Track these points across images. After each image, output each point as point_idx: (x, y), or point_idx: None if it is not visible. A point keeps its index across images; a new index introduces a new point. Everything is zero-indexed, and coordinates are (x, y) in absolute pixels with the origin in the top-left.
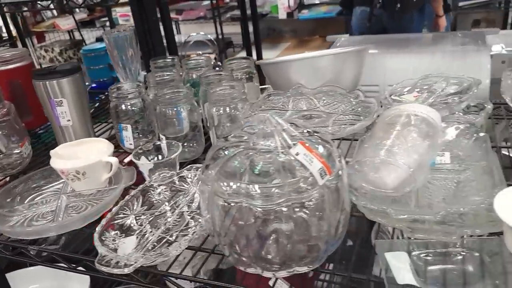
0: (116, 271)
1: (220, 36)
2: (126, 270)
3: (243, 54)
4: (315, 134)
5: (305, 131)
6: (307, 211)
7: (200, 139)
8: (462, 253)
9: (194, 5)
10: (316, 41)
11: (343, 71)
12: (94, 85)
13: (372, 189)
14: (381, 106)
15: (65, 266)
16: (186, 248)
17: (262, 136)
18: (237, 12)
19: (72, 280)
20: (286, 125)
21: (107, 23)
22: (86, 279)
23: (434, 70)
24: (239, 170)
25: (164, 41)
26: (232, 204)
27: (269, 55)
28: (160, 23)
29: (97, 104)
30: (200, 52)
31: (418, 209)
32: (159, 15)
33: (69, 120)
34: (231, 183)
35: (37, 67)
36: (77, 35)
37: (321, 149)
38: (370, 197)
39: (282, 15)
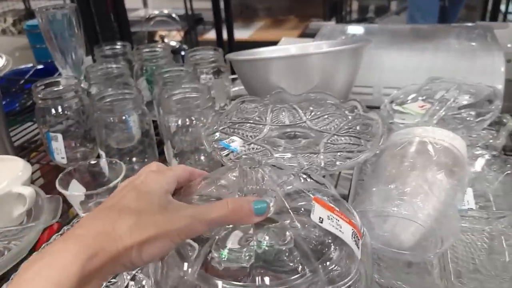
0: None
1: (189, 12)
2: None
3: (213, 33)
4: (310, 177)
5: (299, 177)
6: None
7: (152, 152)
8: None
9: None
10: (292, 22)
11: (335, 73)
12: (40, 66)
13: (381, 247)
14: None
15: None
16: None
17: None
18: None
19: None
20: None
21: None
22: None
23: (437, 71)
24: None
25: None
26: None
27: (242, 34)
28: None
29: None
30: (165, 32)
31: (445, 284)
32: None
33: None
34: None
35: None
36: (33, 4)
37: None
38: (375, 258)
39: None
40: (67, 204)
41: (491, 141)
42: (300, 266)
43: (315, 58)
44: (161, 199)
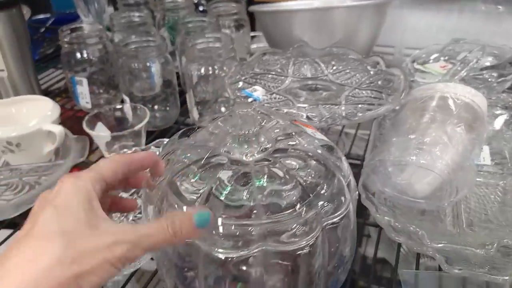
0: None
1: None
2: None
3: None
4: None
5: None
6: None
7: (174, 101)
8: None
9: None
10: None
11: (359, 29)
12: (59, 16)
13: (396, 195)
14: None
15: None
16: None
17: (239, 143)
18: None
19: None
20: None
21: None
22: None
23: (461, 34)
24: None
25: None
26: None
27: None
28: None
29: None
30: None
31: (457, 230)
32: None
33: (3, 70)
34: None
35: None
36: None
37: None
38: (390, 205)
39: None
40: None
41: (511, 103)
42: (295, 203)
43: (339, 12)
44: (88, 214)
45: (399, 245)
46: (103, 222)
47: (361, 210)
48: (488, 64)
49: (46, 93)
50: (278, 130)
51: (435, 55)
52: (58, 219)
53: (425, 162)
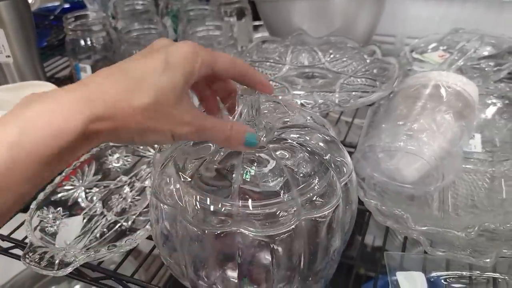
0: (46, 272)
1: None
2: (60, 273)
3: None
4: (311, 118)
5: (301, 115)
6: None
7: None
8: (499, 279)
9: None
10: None
11: (358, 17)
12: (66, 5)
13: (385, 180)
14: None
15: None
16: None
17: None
18: None
19: None
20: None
21: None
22: None
23: (463, 23)
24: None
25: None
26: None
27: None
28: None
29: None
30: None
31: (442, 215)
32: None
33: (8, 56)
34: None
35: None
36: None
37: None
38: (380, 191)
39: None
40: None
41: (509, 94)
42: (282, 191)
43: (338, 1)
44: (183, 86)
45: (387, 228)
46: (187, 100)
47: None
48: (486, 53)
49: (52, 80)
50: (282, 119)
51: (434, 45)
52: (162, 74)
53: (412, 148)
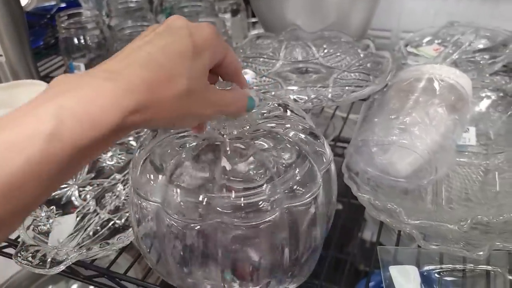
0: (38, 270)
1: None
2: (52, 271)
3: None
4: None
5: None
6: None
7: None
8: (492, 272)
9: None
10: None
11: (352, 12)
12: (62, 5)
13: (379, 174)
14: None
15: None
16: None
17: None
18: None
19: None
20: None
21: None
22: None
23: (459, 16)
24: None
25: None
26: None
27: None
28: None
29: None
30: None
31: (435, 208)
32: None
33: (1, 55)
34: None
35: None
36: None
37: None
38: (373, 185)
39: None
40: None
41: (504, 87)
42: (264, 181)
43: None
44: (209, 69)
45: (381, 223)
46: (209, 84)
47: (346, 190)
48: (481, 46)
49: (46, 79)
50: (264, 112)
51: (429, 38)
52: (192, 58)
53: (405, 142)
